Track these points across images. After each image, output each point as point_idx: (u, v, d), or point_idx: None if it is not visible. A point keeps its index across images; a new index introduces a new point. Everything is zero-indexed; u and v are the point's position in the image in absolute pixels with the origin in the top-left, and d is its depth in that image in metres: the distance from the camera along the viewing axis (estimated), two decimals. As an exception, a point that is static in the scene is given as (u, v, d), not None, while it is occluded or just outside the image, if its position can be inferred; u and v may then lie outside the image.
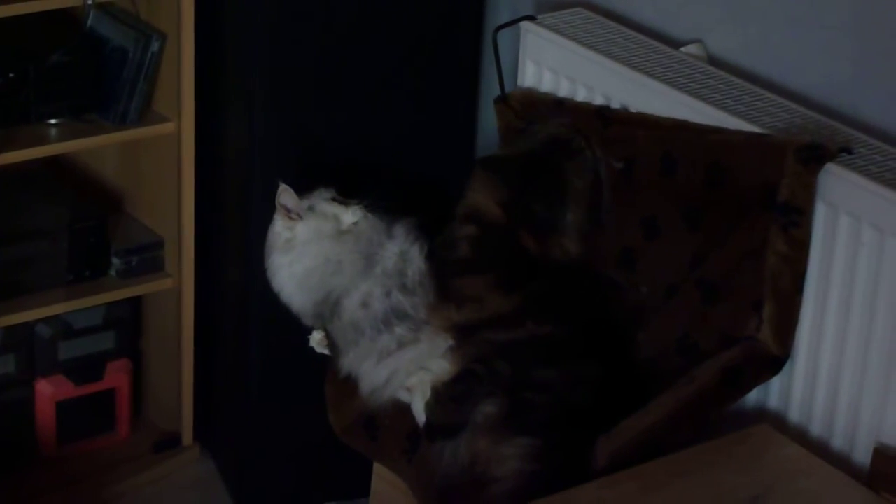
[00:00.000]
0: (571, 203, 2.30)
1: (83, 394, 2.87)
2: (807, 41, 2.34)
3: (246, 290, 2.74)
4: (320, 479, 2.85)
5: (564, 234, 2.29)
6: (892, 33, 2.23)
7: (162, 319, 2.91)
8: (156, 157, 2.82)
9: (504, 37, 2.56)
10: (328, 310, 2.32)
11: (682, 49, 2.46)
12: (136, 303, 2.92)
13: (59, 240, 2.76)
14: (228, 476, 2.92)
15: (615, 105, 2.40)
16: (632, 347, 2.27)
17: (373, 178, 2.59)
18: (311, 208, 2.33)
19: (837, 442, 2.19)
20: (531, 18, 2.54)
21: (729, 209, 2.21)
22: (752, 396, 2.26)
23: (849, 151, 2.15)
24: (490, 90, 2.66)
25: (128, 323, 2.91)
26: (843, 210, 2.14)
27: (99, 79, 2.70)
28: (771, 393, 2.26)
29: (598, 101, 2.43)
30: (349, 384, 2.33)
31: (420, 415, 2.27)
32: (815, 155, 2.13)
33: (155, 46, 2.68)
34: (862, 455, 2.15)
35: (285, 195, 2.33)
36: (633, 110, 2.37)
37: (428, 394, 2.25)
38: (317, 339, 2.41)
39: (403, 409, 2.29)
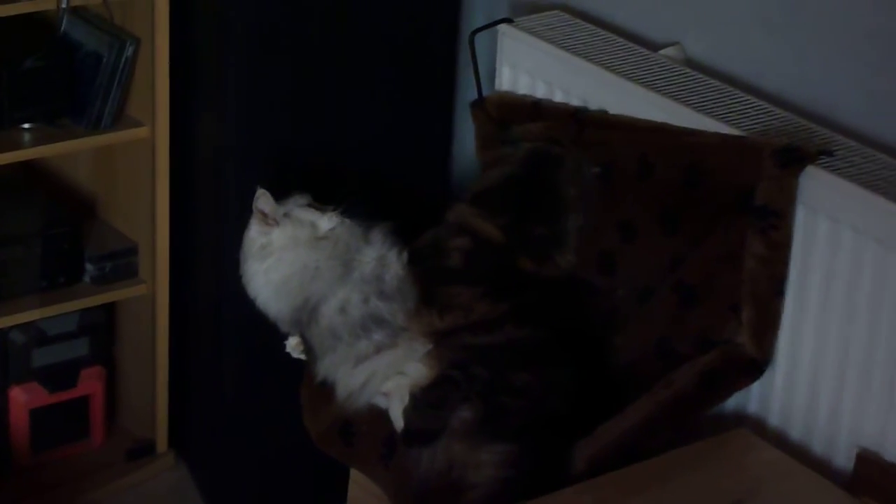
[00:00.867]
0: (570, 213, 2.30)
1: (57, 401, 2.86)
2: (785, 43, 2.34)
3: (220, 295, 2.73)
4: (296, 485, 2.85)
5: (564, 247, 2.29)
6: (869, 34, 2.23)
7: (136, 326, 2.91)
8: (130, 162, 2.81)
9: (481, 40, 2.55)
10: (305, 316, 2.31)
11: (660, 51, 2.46)
12: (109, 309, 2.91)
13: (33, 246, 2.75)
14: (203, 483, 2.91)
15: (593, 108, 2.39)
16: (610, 352, 2.27)
17: (348, 184, 2.59)
18: (287, 214, 2.32)
19: (818, 446, 2.19)
20: (508, 21, 2.54)
21: (706, 212, 2.21)
22: (732, 400, 2.25)
23: (828, 154, 2.15)
24: (467, 94, 2.67)
25: (102, 329, 2.90)
26: (822, 213, 2.13)
27: (73, 83, 2.69)
28: (750, 397, 2.26)
29: (576, 104, 2.42)
30: (325, 389, 2.32)
31: (397, 420, 2.25)
32: (794, 157, 2.13)
33: (129, 51, 2.68)
34: (842, 459, 2.15)
35: (263, 200, 2.32)
36: (611, 113, 2.36)
37: (405, 399, 2.23)
38: (293, 344, 2.40)
39: (380, 415, 2.28)
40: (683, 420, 2.17)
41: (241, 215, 2.39)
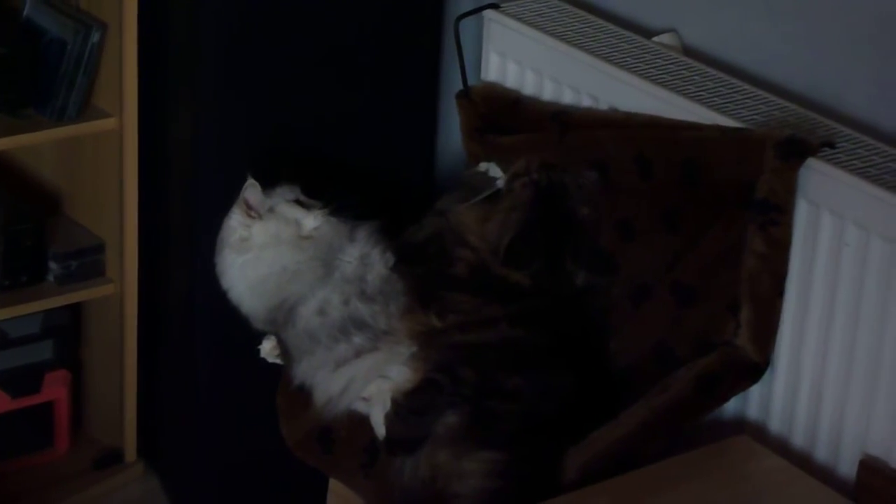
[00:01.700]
0: (588, 231, 2.30)
1: (19, 407, 2.85)
2: (786, 30, 2.34)
3: (192, 296, 2.73)
4: (272, 496, 2.85)
5: (581, 266, 2.28)
6: (876, 19, 2.23)
7: (103, 328, 2.89)
8: (96, 154, 2.79)
9: (466, 26, 2.55)
10: (282, 316, 2.31)
11: (655, 39, 2.46)
12: (75, 310, 2.90)
13: (-7, 243, 2.76)
14: (174, 494, 2.91)
15: (584, 98, 2.40)
16: (605, 355, 2.27)
17: (328, 175, 2.58)
18: (272, 209, 2.32)
19: (821, 453, 2.19)
20: (495, 7, 2.53)
21: (705, 208, 2.21)
22: (731, 406, 2.25)
23: (831, 146, 2.15)
24: (453, 82, 2.65)
25: (67, 331, 2.89)
26: (825, 208, 2.13)
27: (36, 72, 2.68)
28: (750, 402, 2.26)
29: (567, 94, 2.43)
30: (303, 394, 2.31)
31: (378, 426, 2.25)
32: (796, 150, 2.13)
33: (95, 37, 2.66)
34: (847, 467, 2.15)
35: (251, 191, 2.31)
36: (604, 104, 2.37)
37: (387, 404, 2.23)
38: (267, 349, 2.40)
39: (361, 421, 2.28)
40: (680, 426, 2.16)
41: (216, 211, 2.37)
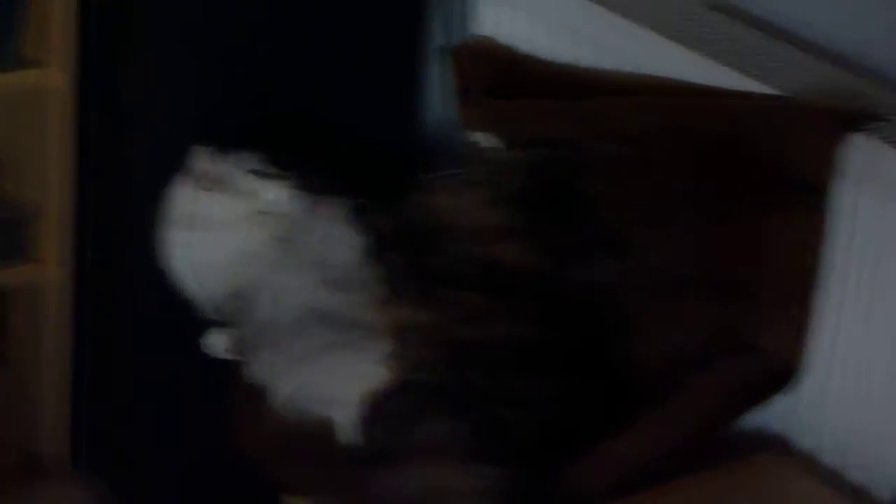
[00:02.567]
0: (604, 213, 2.30)
1: (-74, 408, 2.84)
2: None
3: (136, 279, 2.70)
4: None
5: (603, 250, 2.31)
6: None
7: (29, 316, 2.86)
8: (25, 110, 2.74)
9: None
10: (235, 305, 2.32)
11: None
12: (-2, 295, 2.87)
13: None
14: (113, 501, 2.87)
15: (604, 59, 2.38)
16: (621, 356, 2.25)
17: (292, 141, 2.55)
18: (226, 181, 2.32)
19: (856, 473, 2.19)
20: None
21: (731, 189, 2.21)
22: (752, 418, 2.26)
23: (880, 118, 2.12)
24: (440, 35, 2.66)
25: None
26: (870, 190, 2.12)
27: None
28: (775, 413, 2.26)
29: (582, 54, 2.41)
30: (259, 395, 2.30)
31: (346, 434, 2.21)
32: (839, 123, 2.12)
33: (26, -29, 2.64)
34: (885, 489, 2.15)
35: (201, 160, 2.32)
36: (628, 66, 2.35)
37: (356, 408, 2.20)
38: (216, 342, 2.38)
39: (325, 427, 2.24)
40: (701, 437, 2.18)
41: (162, 180, 2.36)
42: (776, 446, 2.23)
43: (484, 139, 2.39)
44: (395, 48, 2.74)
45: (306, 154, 2.34)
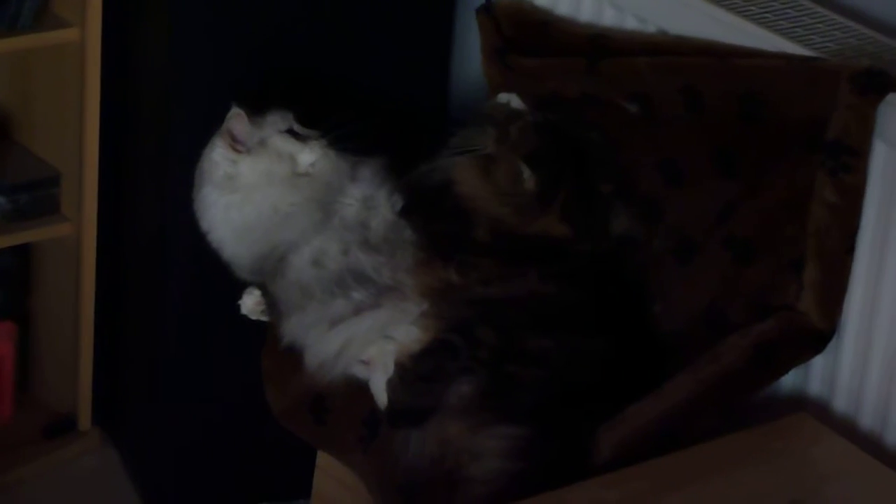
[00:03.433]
0: (629, 172, 2.30)
1: (-43, 364, 2.85)
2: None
3: (162, 238, 2.71)
4: (250, 472, 2.85)
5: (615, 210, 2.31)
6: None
7: (56, 273, 2.88)
8: (53, 71, 2.77)
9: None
10: (270, 266, 2.31)
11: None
12: (24, 252, 2.89)
13: (-70, 174, 2.71)
14: (134, 468, 2.90)
15: (629, 19, 2.40)
16: (648, 317, 2.27)
17: (327, 102, 2.55)
18: (262, 143, 2.32)
19: (893, 436, 2.18)
20: None
21: (765, 149, 2.21)
22: (789, 379, 2.26)
23: None
24: None
25: (14, 277, 2.89)
26: None
27: (-17, -27, 2.65)
28: (812, 375, 2.26)
29: (608, 14, 2.42)
30: (292, 356, 2.31)
31: (380, 394, 2.24)
32: (875, 83, 2.12)
33: (53, -67, 2.65)
34: None
35: (237, 121, 2.30)
36: (651, 26, 2.36)
37: (391, 369, 2.22)
38: (250, 304, 2.40)
39: (359, 388, 2.27)
40: (731, 401, 2.17)
41: (193, 141, 2.36)
42: (813, 410, 2.23)
43: (509, 98, 2.38)
44: (429, 8, 2.73)
45: (341, 115, 2.31)
